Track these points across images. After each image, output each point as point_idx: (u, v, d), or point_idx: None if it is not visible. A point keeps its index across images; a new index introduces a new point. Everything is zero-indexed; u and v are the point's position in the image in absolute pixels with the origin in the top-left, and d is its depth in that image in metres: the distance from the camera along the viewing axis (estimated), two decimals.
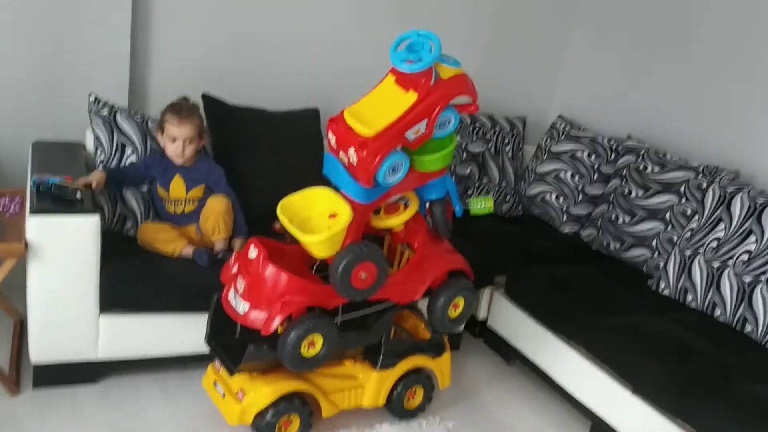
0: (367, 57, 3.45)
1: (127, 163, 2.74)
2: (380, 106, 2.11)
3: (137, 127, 2.77)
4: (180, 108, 2.67)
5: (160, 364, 2.59)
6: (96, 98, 2.77)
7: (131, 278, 2.45)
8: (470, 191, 3.46)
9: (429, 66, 2.06)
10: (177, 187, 2.72)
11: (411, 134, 2.11)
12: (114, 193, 2.68)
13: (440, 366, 2.57)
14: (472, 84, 2.18)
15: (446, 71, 2.13)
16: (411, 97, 2.09)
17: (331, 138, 2.16)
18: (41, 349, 2.39)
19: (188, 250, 2.59)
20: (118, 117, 2.76)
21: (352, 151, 2.08)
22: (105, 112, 2.75)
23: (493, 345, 3.18)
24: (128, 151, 2.74)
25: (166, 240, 2.60)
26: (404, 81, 2.12)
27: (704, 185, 2.91)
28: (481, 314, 3.17)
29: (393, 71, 2.15)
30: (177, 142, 2.64)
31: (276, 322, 2.08)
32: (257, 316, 2.12)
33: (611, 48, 3.70)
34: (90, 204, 2.37)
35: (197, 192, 2.74)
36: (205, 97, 3.01)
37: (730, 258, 2.70)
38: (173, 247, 2.59)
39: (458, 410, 2.71)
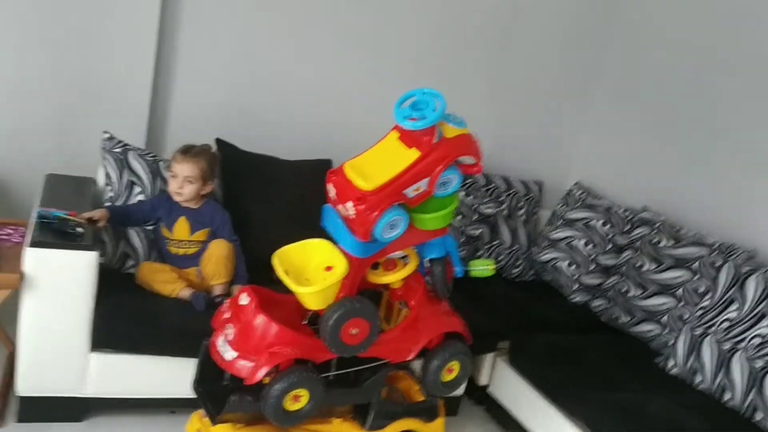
0: (384, 112, 3.48)
1: (134, 202, 2.76)
2: (381, 162, 2.10)
3: (148, 166, 2.80)
4: (189, 148, 2.71)
5: (148, 405, 2.55)
6: (110, 136, 2.81)
7: (125, 317, 2.44)
8: (480, 252, 3.41)
9: (432, 124, 2.04)
10: (181, 228, 2.72)
11: (411, 191, 2.09)
12: (118, 230, 2.69)
13: (432, 431, 2.49)
14: (476, 145, 2.16)
15: (450, 131, 2.11)
16: (413, 155, 2.07)
17: (331, 190, 2.14)
18: (28, 382, 2.37)
19: (186, 293, 2.57)
20: (130, 156, 2.79)
21: (350, 204, 2.06)
22: (118, 149, 2.78)
23: (493, 413, 3.07)
24: (137, 189, 2.76)
25: (165, 281, 2.59)
26: (407, 138, 2.10)
27: (718, 263, 2.82)
28: (483, 380, 3.08)
29: (396, 128, 2.14)
30: (177, 178, 2.67)
31: (261, 372, 2.04)
32: (243, 365, 2.08)
33: (632, 118, 3.67)
34: (90, 239, 2.37)
35: (201, 235, 2.73)
36: (219, 141, 3.04)
37: (742, 340, 2.60)
38: (171, 288, 2.57)
39: None
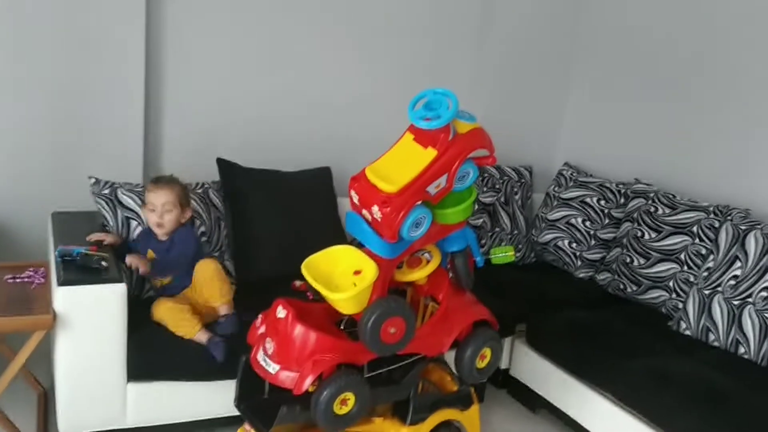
0: (375, 116, 3.55)
1: (135, 235, 2.76)
2: (401, 163, 2.16)
3: (139, 199, 2.79)
4: (159, 177, 2.71)
5: (188, 428, 2.57)
6: (96, 180, 2.79)
7: (157, 346, 2.45)
8: (484, 241, 3.49)
9: (447, 123, 2.11)
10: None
11: (432, 189, 2.15)
12: None
13: (469, 418, 2.56)
14: (488, 137, 2.24)
15: (463, 126, 2.18)
16: (430, 154, 2.13)
17: (354, 196, 2.20)
18: (70, 420, 2.38)
19: (202, 337, 2.48)
20: (119, 193, 2.78)
21: (375, 208, 2.12)
22: (106, 191, 2.77)
23: (516, 394, 3.16)
24: (134, 224, 2.76)
25: (179, 320, 2.49)
26: (423, 138, 2.16)
27: (717, 224, 2.94)
28: (503, 364, 3.17)
29: (411, 129, 2.20)
30: (155, 210, 2.62)
31: (308, 382, 2.09)
32: (288, 376, 2.13)
33: (612, 93, 3.79)
34: (116, 272, 2.39)
35: None
36: (220, 161, 3.07)
37: (750, 295, 2.72)
38: (185, 330, 2.49)
39: None
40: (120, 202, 2.78)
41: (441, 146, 2.14)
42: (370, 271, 2.16)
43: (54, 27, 2.88)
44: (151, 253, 2.67)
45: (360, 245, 2.25)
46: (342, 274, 2.25)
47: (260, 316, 2.33)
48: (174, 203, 2.64)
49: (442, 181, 2.17)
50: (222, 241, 2.97)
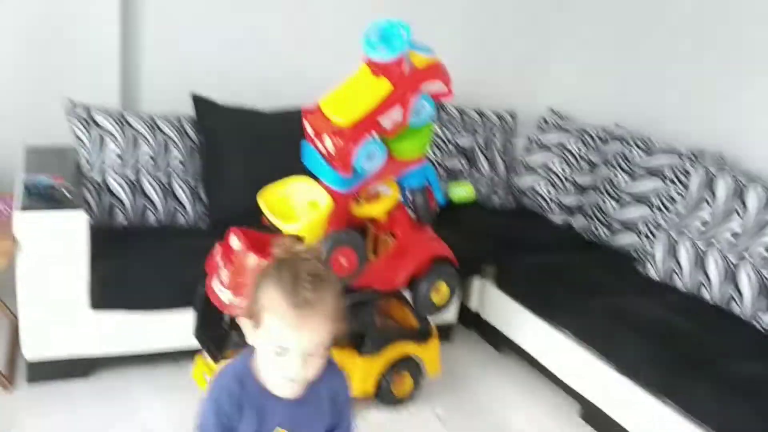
0: (357, 55, 3.51)
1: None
2: (355, 95, 2.15)
3: (112, 118, 2.83)
4: (301, 288, 1.29)
5: (151, 359, 2.63)
6: (72, 102, 2.82)
7: (120, 277, 2.48)
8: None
9: (400, 53, 2.09)
10: None
11: (387, 122, 2.15)
12: (98, 183, 2.73)
13: (428, 353, 2.59)
14: (445, 70, 2.22)
15: (419, 59, 2.17)
16: (385, 85, 2.13)
17: (308, 128, 2.20)
18: (33, 346, 2.44)
19: None
20: (93, 113, 2.81)
21: (328, 140, 2.12)
22: (81, 111, 2.80)
23: (485, 335, 3.19)
24: (107, 140, 2.79)
25: None
26: (378, 69, 2.15)
27: (689, 168, 2.92)
28: (473, 305, 3.19)
29: (368, 61, 2.19)
30: (291, 355, 1.31)
31: None
32: (241, 305, 2.16)
33: (597, 39, 3.73)
34: (79, 200, 2.42)
35: None
36: (195, 98, 3.05)
37: (715, 238, 2.71)
38: None
39: (448, 398, 2.73)
40: (95, 121, 2.80)
41: (395, 78, 2.13)
42: (323, 203, 2.18)
43: None
44: None
45: (317, 178, 2.26)
46: (301, 206, 2.27)
47: (216, 245, 2.36)
48: (327, 341, 1.33)
49: (396, 113, 2.16)
50: (198, 171, 2.98)
